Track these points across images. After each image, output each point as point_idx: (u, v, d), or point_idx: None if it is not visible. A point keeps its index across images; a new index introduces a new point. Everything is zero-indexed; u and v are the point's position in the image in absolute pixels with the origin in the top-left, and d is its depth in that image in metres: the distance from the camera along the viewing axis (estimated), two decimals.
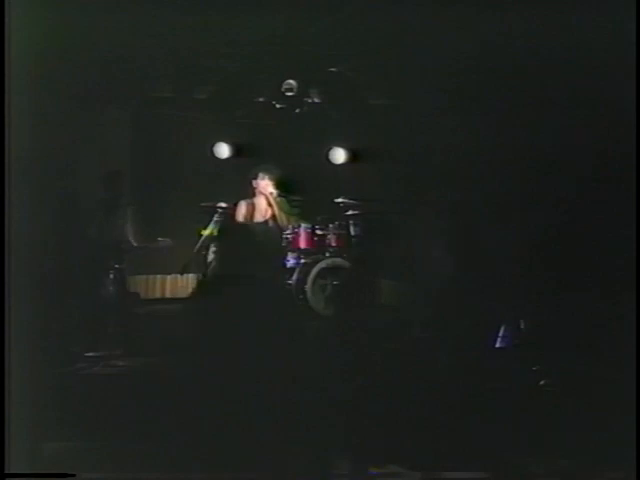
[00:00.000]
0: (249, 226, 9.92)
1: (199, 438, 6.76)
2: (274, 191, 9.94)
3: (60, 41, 7.95)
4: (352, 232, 10.21)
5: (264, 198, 9.97)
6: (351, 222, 10.23)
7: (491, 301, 8.41)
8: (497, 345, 8.41)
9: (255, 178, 9.97)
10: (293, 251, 10.16)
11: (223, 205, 9.84)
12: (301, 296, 9.85)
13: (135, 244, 9.43)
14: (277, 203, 9.99)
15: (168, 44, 9.25)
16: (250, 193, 10.03)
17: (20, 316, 6.55)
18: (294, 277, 9.96)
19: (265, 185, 9.95)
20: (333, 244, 10.25)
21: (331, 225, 10.27)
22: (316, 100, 10.17)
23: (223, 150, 10.36)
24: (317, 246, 10.22)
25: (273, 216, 9.97)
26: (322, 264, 10.02)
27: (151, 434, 6.79)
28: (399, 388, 7.47)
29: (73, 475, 6.00)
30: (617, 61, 7.40)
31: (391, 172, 9.96)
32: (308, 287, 9.87)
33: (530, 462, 6.66)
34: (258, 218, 10.02)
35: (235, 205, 9.98)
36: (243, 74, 10.02)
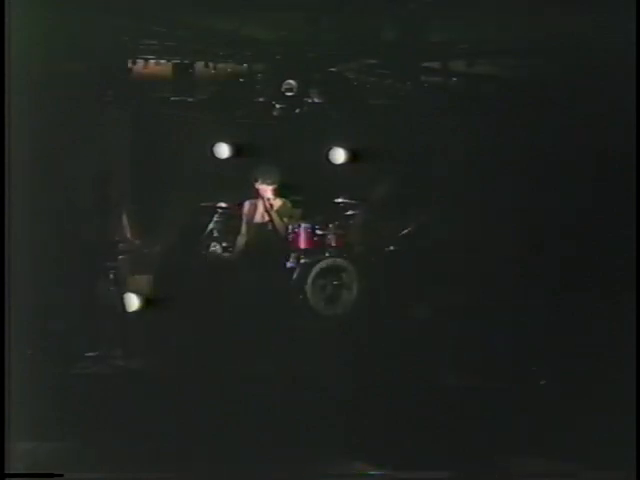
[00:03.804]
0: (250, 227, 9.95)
1: (199, 438, 6.77)
2: (271, 197, 9.94)
3: (60, 41, 7.96)
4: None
5: (262, 203, 9.98)
6: (351, 222, 10.21)
7: (491, 301, 8.40)
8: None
9: (256, 180, 9.97)
10: (293, 251, 10.15)
11: (223, 205, 9.82)
12: (301, 296, 9.83)
13: (136, 242, 9.44)
14: (277, 208, 9.99)
15: (168, 44, 9.25)
16: (254, 193, 10.03)
17: (20, 316, 6.55)
18: (294, 277, 9.94)
19: (264, 190, 9.95)
20: (333, 244, 10.23)
21: (331, 225, 10.25)
22: (316, 100, 10.15)
23: (223, 150, 10.32)
24: (317, 246, 10.20)
25: (271, 220, 9.95)
26: (322, 264, 10.01)
27: (151, 434, 6.79)
28: (399, 388, 7.47)
29: (71, 476, 6.01)
30: (617, 61, 7.40)
31: (391, 172, 9.95)
32: (308, 287, 9.86)
33: (530, 462, 6.66)
34: (258, 219, 10.02)
35: (236, 205, 9.99)
36: (243, 74, 10.01)
